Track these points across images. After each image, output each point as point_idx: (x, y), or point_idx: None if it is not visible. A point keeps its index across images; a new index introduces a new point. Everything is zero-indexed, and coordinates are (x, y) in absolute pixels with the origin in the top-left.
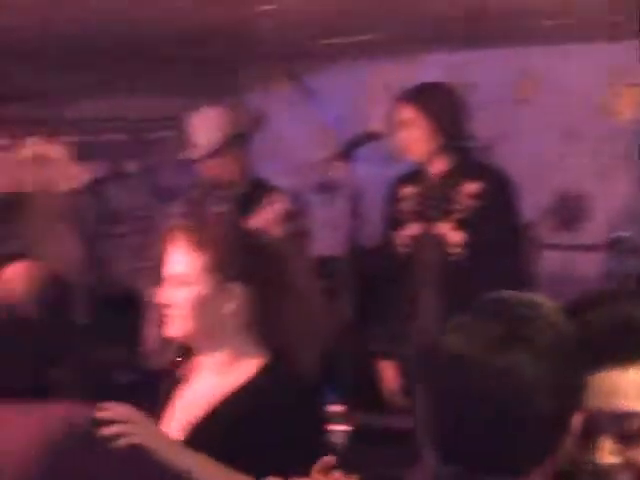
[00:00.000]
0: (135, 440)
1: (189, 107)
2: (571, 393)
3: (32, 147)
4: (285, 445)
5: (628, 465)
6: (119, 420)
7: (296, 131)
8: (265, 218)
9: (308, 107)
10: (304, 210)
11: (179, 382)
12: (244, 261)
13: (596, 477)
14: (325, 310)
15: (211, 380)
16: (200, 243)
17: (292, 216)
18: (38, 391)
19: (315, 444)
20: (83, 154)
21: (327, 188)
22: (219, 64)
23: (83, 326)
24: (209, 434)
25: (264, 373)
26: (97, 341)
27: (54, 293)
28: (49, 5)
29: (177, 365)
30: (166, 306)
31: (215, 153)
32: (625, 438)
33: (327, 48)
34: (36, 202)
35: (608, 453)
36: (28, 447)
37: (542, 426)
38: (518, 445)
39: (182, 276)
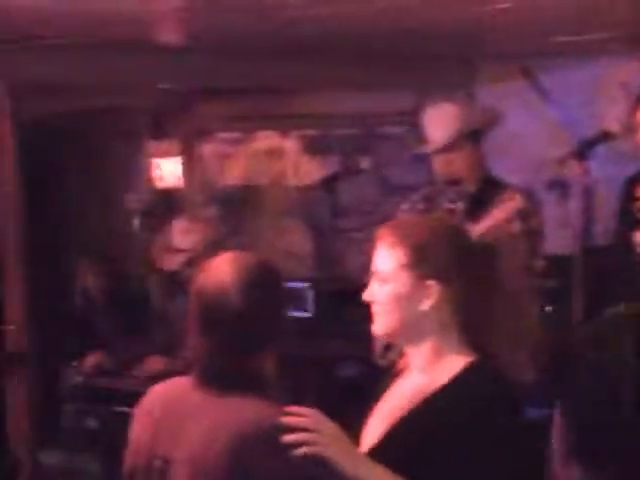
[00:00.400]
0: (317, 450)
1: (421, 103)
2: None
3: (265, 141)
4: (481, 455)
5: None
6: (305, 427)
7: (530, 129)
8: (499, 217)
9: (542, 105)
10: (538, 209)
11: (393, 379)
12: (443, 259)
13: None
14: (536, 312)
15: (416, 379)
16: (399, 240)
17: (526, 215)
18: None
19: (519, 460)
20: (315, 148)
21: (560, 186)
22: (453, 60)
23: (307, 319)
24: (408, 434)
25: (469, 372)
26: (321, 334)
27: (260, 283)
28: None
29: (392, 362)
30: (371, 303)
31: (449, 148)
32: None
33: (562, 46)
34: (267, 196)
35: None
36: (217, 439)
37: None
38: None
39: (383, 273)
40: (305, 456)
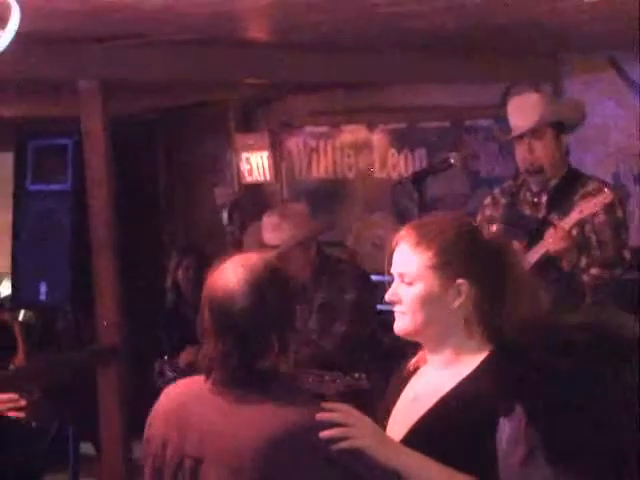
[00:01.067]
0: (357, 443)
1: (507, 95)
2: None
3: (352, 134)
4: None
5: None
6: (340, 423)
7: (617, 120)
8: (587, 211)
9: (629, 96)
10: (625, 201)
11: (405, 379)
12: (468, 258)
13: None
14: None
15: (436, 377)
16: (424, 241)
17: (613, 208)
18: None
19: None
20: (402, 141)
21: None
22: (539, 53)
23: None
24: (431, 432)
25: (486, 364)
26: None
27: (267, 284)
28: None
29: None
30: (394, 302)
31: (531, 134)
32: None
33: None
34: (355, 189)
35: None
36: (248, 439)
37: None
38: None
39: (409, 274)
40: (343, 451)
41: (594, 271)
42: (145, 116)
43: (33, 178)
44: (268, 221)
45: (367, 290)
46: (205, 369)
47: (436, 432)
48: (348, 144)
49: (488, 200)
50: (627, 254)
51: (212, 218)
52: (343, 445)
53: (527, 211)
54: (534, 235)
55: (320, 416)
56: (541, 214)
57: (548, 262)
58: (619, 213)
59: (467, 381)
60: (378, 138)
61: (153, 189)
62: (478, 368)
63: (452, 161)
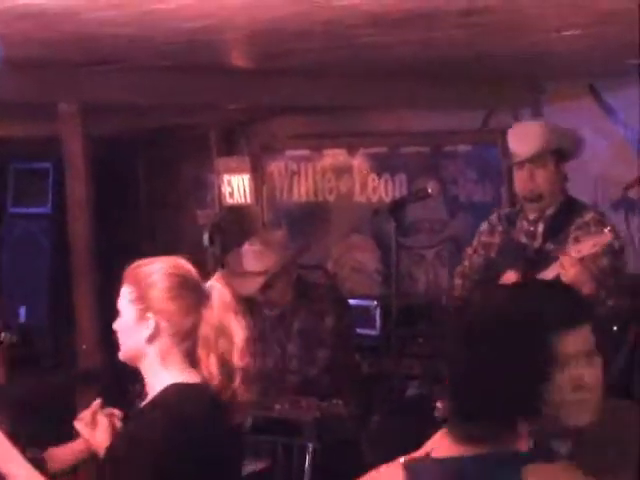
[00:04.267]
0: None
1: (487, 121)
2: None
3: (332, 158)
4: None
5: None
6: None
7: (595, 148)
8: (589, 250)
9: (608, 124)
10: (624, 244)
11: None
12: (161, 295)
13: None
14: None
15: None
16: (129, 277)
17: (615, 252)
18: None
19: None
20: (382, 166)
21: (622, 206)
22: (519, 80)
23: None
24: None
25: (166, 391)
26: (388, 352)
27: None
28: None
29: None
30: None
31: (533, 161)
32: None
33: (628, 67)
34: (335, 213)
35: None
36: None
37: None
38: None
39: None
40: None
41: (610, 302)
42: (126, 138)
43: (14, 201)
44: (250, 249)
45: (346, 315)
46: None
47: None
48: (329, 168)
49: (484, 226)
50: (626, 283)
51: (194, 240)
52: None
53: (523, 239)
54: (531, 264)
55: None
56: (537, 243)
57: None
58: (616, 245)
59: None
60: (359, 162)
61: (134, 210)
62: (154, 398)
63: (430, 191)
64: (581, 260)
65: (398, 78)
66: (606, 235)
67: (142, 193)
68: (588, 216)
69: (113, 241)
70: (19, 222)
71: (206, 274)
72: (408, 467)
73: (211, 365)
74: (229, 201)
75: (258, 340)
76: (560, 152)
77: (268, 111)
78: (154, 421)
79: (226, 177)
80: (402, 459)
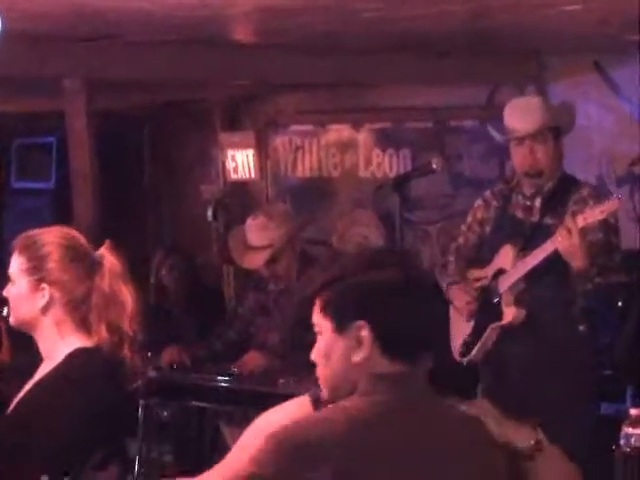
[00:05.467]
0: None
1: (493, 97)
2: None
3: (337, 134)
4: None
5: None
6: None
7: (600, 123)
8: (598, 214)
9: (612, 99)
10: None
11: None
12: (55, 265)
13: None
14: None
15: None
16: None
17: (610, 228)
18: None
19: None
20: (387, 141)
21: (630, 181)
22: (523, 56)
23: None
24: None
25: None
26: None
27: None
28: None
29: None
30: None
31: (534, 137)
32: None
33: (631, 43)
34: (339, 188)
35: None
36: None
37: None
38: None
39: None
40: None
41: (598, 280)
42: (131, 113)
43: (17, 176)
44: (254, 223)
45: None
46: None
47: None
48: (333, 143)
49: (479, 202)
50: (618, 258)
51: (198, 215)
52: None
53: (520, 215)
54: (527, 239)
55: None
56: (535, 218)
57: (549, 265)
58: (611, 219)
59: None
60: (363, 137)
61: (139, 185)
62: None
63: (434, 166)
64: (582, 231)
65: (403, 53)
66: (615, 202)
67: (146, 168)
68: (585, 191)
69: (118, 217)
70: (22, 197)
71: (209, 250)
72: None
73: (102, 331)
74: (233, 176)
75: (263, 314)
76: (558, 128)
77: (272, 87)
78: (62, 390)
79: (230, 152)
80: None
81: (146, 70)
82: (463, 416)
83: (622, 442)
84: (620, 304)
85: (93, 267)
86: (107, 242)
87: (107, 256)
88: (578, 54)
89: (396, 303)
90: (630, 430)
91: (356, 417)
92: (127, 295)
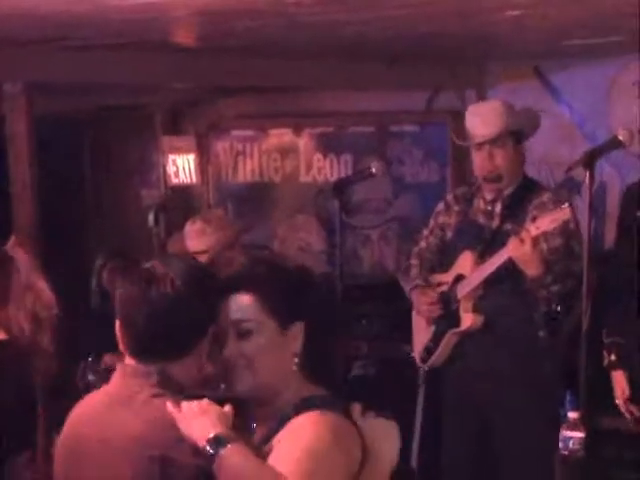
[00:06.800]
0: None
1: (432, 101)
2: None
3: (278, 138)
4: None
5: None
6: None
7: (540, 129)
8: (543, 226)
9: (552, 105)
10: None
11: None
12: None
13: None
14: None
15: None
16: None
17: (570, 234)
18: None
19: None
20: (328, 146)
21: (567, 187)
22: (464, 59)
23: None
24: None
25: None
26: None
27: None
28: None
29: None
30: None
31: (494, 142)
32: None
33: (572, 48)
34: (280, 193)
35: None
36: None
37: None
38: None
39: None
40: None
41: (555, 288)
42: (72, 117)
43: None
44: (192, 229)
45: None
46: None
47: None
48: (274, 148)
49: (441, 206)
50: (578, 265)
51: (139, 219)
52: None
53: (481, 220)
54: (487, 244)
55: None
56: (495, 223)
57: (507, 272)
58: (571, 225)
59: None
60: (304, 142)
61: (80, 190)
62: None
63: (373, 170)
64: (535, 239)
65: (343, 58)
66: (565, 210)
67: (87, 173)
68: (546, 196)
69: (58, 222)
70: None
71: (150, 254)
72: None
73: (21, 320)
74: (174, 181)
75: None
76: (519, 133)
77: (214, 91)
78: None
79: (171, 157)
80: None
81: (87, 74)
82: None
83: (561, 445)
84: (558, 308)
85: (8, 262)
86: (13, 238)
87: (18, 250)
88: (519, 59)
89: None
90: (568, 433)
91: None
92: (43, 285)
